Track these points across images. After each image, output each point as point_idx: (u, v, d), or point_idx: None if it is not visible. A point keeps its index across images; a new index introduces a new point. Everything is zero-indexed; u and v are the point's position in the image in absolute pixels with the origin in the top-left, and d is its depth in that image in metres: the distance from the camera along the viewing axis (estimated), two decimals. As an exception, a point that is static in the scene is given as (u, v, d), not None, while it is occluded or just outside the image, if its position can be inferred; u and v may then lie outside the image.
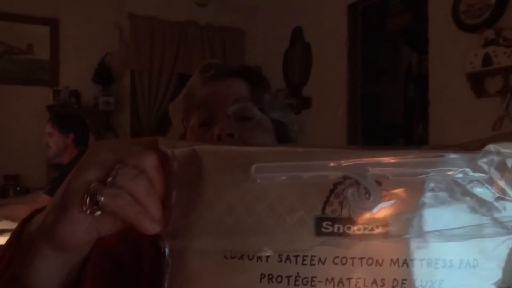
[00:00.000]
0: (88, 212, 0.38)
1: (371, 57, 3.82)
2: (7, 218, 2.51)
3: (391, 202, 0.37)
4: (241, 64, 0.85)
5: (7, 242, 0.45)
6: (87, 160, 0.40)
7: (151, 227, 0.38)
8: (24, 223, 0.45)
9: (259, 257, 0.37)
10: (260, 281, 0.38)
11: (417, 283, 0.38)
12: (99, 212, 0.38)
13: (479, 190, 0.39)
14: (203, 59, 4.35)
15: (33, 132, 3.50)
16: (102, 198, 0.37)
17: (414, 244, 0.38)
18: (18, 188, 3.65)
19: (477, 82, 2.60)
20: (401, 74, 4.23)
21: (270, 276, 0.38)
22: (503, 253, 0.40)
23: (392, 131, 4.08)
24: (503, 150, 0.39)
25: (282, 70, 4.20)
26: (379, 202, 0.37)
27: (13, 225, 2.37)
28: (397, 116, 4.17)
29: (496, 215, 0.39)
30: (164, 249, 0.39)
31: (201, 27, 4.42)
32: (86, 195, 0.38)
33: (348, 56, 3.59)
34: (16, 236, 0.44)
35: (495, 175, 0.39)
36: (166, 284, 0.39)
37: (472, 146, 0.40)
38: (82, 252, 0.44)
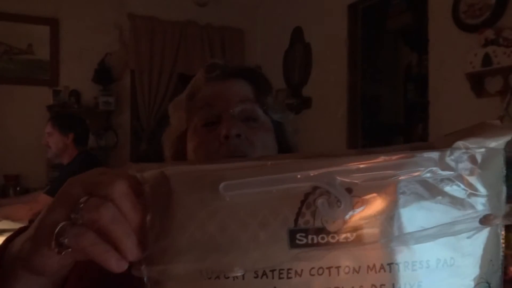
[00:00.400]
0: (56, 251, 0.38)
1: (371, 57, 3.82)
2: (7, 218, 2.51)
3: (363, 208, 0.37)
4: (245, 65, 0.86)
5: None
6: (58, 198, 0.40)
7: (117, 265, 0.38)
8: (5, 244, 0.46)
9: (235, 276, 0.37)
10: None
11: (395, 287, 0.38)
12: (68, 250, 0.38)
13: (449, 188, 0.39)
14: (203, 59, 4.38)
15: (33, 132, 3.50)
16: (66, 240, 0.38)
17: (389, 248, 0.38)
18: (18, 188, 3.66)
19: (477, 82, 2.60)
20: (401, 74, 4.23)
21: None
22: (478, 249, 0.40)
23: (392, 131, 4.08)
24: (471, 146, 0.39)
25: (282, 70, 4.20)
26: (350, 210, 0.37)
27: (13, 225, 2.38)
28: (397, 116, 4.17)
29: (469, 211, 0.39)
30: (143, 274, 0.38)
31: (201, 27, 4.42)
32: (52, 236, 0.38)
33: (348, 56, 3.59)
34: None
35: (464, 171, 0.39)
36: None
37: (445, 142, 0.40)
38: (61, 273, 0.44)
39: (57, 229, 0.38)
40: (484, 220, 0.39)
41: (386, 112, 4.19)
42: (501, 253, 0.43)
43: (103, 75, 4.08)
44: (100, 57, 4.08)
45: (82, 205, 0.38)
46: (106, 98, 4.06)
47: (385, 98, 4.18)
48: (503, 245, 0.43)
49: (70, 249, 0.38)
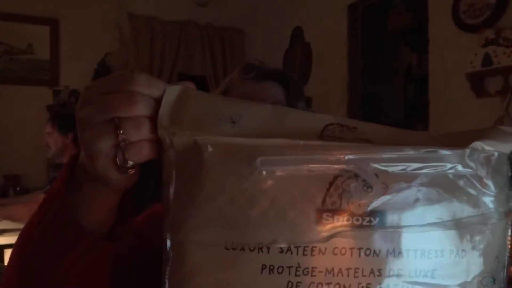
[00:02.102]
0: (126, 173, 0.42)
1: (371, 57, 3.82)
2: (7, 218, 2.51)
3: (388, 194, 0.39)
4: (280, 69, 0.88)
5: (53, 188, 0.48)
6: (90, 133, 0.42)
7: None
8: (69, 168, 0.48)
9: (260, 248, 0.38)
10: (261, 272, 0.38)
11: (412, 273, 0.40)
12: (135, 167, 0.42)
13: (466, 185, 0.41)
14: (203, 59, 4.37)
15: (33, 132, 3.50)
16: (131, 162, 0.41)
17: (408, 235, 0.39)
18: (18, 188, 3.65)
19: (477, 82, 2.60)
20: (401, 74, 4.23)
21: (271, 267, 0.38)
22: (487, 245, 0.42)
23: (392, 131, 4.06)
24: (487, 148, 0.42)
25: (282, 70, 4.19)
26: (380, 195, 0.38)
27: (13, 225, 2.38)
28: (397, 116, 4.17)
29: (481, 208, 0.41)
30: (166, 241, 0.39)
31: (201, 27, 4.41)
32: (117, 166, 0.41)
33: (348, 56, 3.59)
34: (64, 181, 0.47)
35: (481, 171, 0.41)
36: (166, 276, 0.40)
37: (454, 140, 0.42)
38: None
39: (117, 162, 0.41)
40: (509, 214, 0.42)
41: (386, 112, 4.19)
42: (507, 251, 0.45)
43: (103, 75, 3.99)
44: (100, 57, 4.07)
45: (121, 131, 0.40)
46: (106, 98, 4.05)
47: (385, 98, 4.17)
48: (510, 244, 0.45)
49: (136, 165, 0.41)
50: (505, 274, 0.45)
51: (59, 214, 0.46)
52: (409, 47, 4.08)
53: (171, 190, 0.40)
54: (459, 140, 0.43)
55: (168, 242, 0.39)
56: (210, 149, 0.39)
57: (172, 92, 0.41)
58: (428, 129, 3.00)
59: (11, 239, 2.22)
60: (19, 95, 3.88)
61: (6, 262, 2.17)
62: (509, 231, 0.45)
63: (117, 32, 4.16)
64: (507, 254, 0.45)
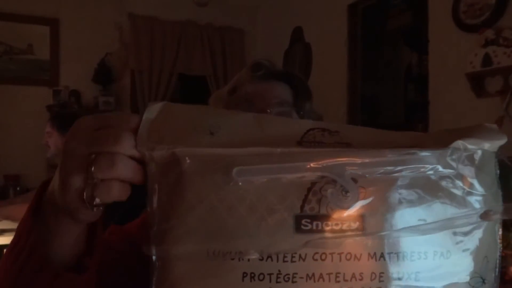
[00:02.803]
0: (91, 210, 0.41)
1: (371, 57, 3.82)
2: (7, 218, 2.51)
3: (367, 198, 0.39)
4: (288, 70, 0.89)
5: (24, 217, 0.48)
6: (67, 161, 0.42)
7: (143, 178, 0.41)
8: (37, 197, 0.48)
9: (241, 257, 0.38)
10: (243, 280, 0.38)
11: (394, 276, 0.40)
12: (99, 206, 0.41)
13: (449, 186, 0.41)
14: (203, 59, 4.37)
15: (33, 132, 3.50)
16: (98, 200, 0.40)
17: (390, 238, 0.39)
18: (18, 188, 3.65)
19: (477, 82, 2.60)
20: (401, 74, 4.23)
21: (252, 275, 0.38)
22: (473, 245, 0.42)
23: (392, 131, 4.07)
24: (469, 147, 0.41)
25: (282, 70, 4.19)
26: (357, 200, 0.38)
27: (13, 225, 2.38)
28: (397, 116, 4.17)
29: (466, 208, 0.41)
30: (151, 253, 0.40)
31: (201, 27, 4.42)
32: (82, 202, 0.41)
33: (348, 56, 3.59)
34: (33, 210, 0.47)
35: (463, 170, 0.41)
36: (153, 287, 0.40)
37: (443, 138, 0.42)
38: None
39: (84, 197, 0.41)
40: (484, 216, 0.41)
41: (386, 112, 4.19)
42: (498, 251, 0.44)
43: (103, 75, 4.07)
44: (100, 57, 4.07)
45: (93, 167, 0.40)
46: (106, 98, 4.06)
47: (385, 98, 4.17)
48: (501, 244, 0.44)
49: (103, 203, 0.41)
50: (496, 274, 0.44)
51: (27, 243, 0.46)
52: (409, 47, 4.08)
53: (154, 202, 0.40)
54: (444, 138, 0.42)
55: (154, 254, 0.40)
56: (188, 160, 0.39)
57: (151, 110, 0.42)
58: (428, 129, 3.00)
59: (11, 239, 2.21)
60: (19, 95, 3.88)
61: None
62: (500, 230, 0.44)
63: (117, 32, 4.16)
64: (498, 254, 0.44)
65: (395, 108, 4.20)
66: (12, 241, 0.49)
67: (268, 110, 0.74)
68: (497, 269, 0.44)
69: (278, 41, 4.26)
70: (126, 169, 0.40)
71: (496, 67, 2.45)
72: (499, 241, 0.44)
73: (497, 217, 0.42)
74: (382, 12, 4.00)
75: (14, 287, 0.47)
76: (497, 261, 0.44)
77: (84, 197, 0.40)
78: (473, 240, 0.42)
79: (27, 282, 0.46)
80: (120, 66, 4.18)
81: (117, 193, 0.41)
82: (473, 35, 2.59)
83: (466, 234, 0.41)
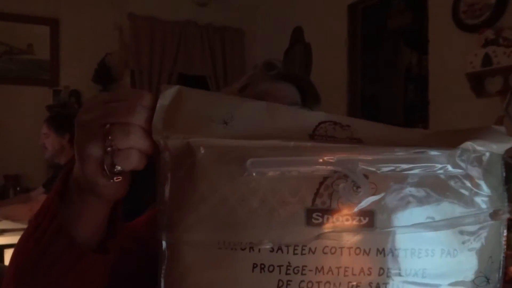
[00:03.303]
0: (113, 180, 0.43)
1: (371, 57, 3.82)
2: (7, 218, 2.51)
3: (377, 194, 0.39)
4: (299, 73, 0.91)
5: (48, 198, 0.49)
6: (85, 134, 0.43)
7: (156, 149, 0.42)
8: (64, 179, 0.49)
9: (251, 247, 0.39)
10: (253, 271, 0.39)
11: (402, 272, 0.40)
12: (121, 174, 0.42)
13: (457, 185, 0.41)
14: (203, 59, 4.37)
15: (33, 132, 3.49)
16: (119, 168, 0.42)
17: (398, 234, 0.40)
18: (18, 188, 3.65)
19: (477, 82, 2.60)
20: (401, 74, 4.23)
21: (262, 266, 0.39)
22: (479, 245, 0.43)
23: (392, 131, 4.06)
24: (478, 148, 0.42)
25: (282, 70, 4.19)
26: (368, 195, 0.39)
27: (13, 225, 2.38)
28: (397, 116, 4.17)
29: (473, 208, 0.42)
30: (161, 241, 0.40)
31: (201, 27, 4.41)
32: (104, 172, 0.42)
33: (348, 56, 3.59)
34: (58, 191, 0.48)
35: (472, 171, 0.42)
36: (162, 275, 0.41)
37: (451, 138, 0.43)
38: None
39: (104, 166, 0.42)
40: (494, 215, 0.42)
41: (386, 112, 4.19)
42: (503, 252, 0.45)
43: (103, 75, 4.07)
44: (100, 57, 4.07)
45: (110, 137, 0.41)
46: (106, 98, 4.05)
47: (385, 98, 4.18)
48: (505, 244, 0.45)
49: (124, 172, 0.42)
50: (500, 274, 0.45)
51: (52, 224, 0.47)
52: (409, 47, 4.08)
53: (166, 191, 0.41)
54: (452, 138, 0.43)
55: (164, 242, 0.40)
56: (202, 150, 0.39)
57: (166, 95, 0.42)
58: (428, 129, 3.00)
59: (11, 239, 2.22)
60: (19, 95, 3.88)
61: (6, 262, 2.17)
62: (504, 231, 0.45)
63: (117, 32, 4.16)
64: (502, 254, 0.45)
65: (395, 108, 4.20)
66: (32, 224, 0.50)
67: None
68: (501, 270, 0.45)
69: (278, 41, 4.25)
70: (141, 139, 0.41)
71: (496, 67, 2.45)
72: (503, 242, 0.45)
73: (506, 216, 0.43)
74: (382, 12, 4.01)
75: (37, 267, 0.48)
76: (501, 262, 0.45)
77: (104, 165, 0.41)
78: (479, 240, 0.42)
79: (51, 263, 0.47)
80: (120, 66, 4.18)
81: (135, 161, 0.42)
82: (473, 35, 2.59)
83: (472, 234, 0.42)
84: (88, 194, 0.46)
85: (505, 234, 0.45)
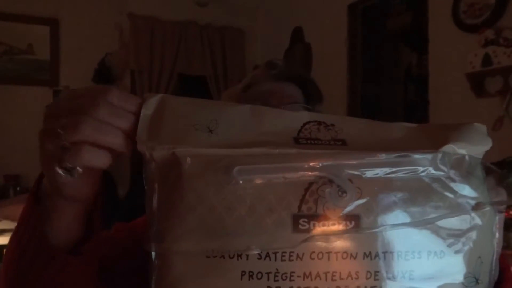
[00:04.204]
0: (69, 178, 0.41)
1: (371, 57, 3.82)
2: (7, 218, 2.51)
3: (362, 199, 0.40)
4: (301, 72, 0.91)
5: (26, 201, 0.49)
6: (42, 133, 0.43)
7: (107, 160, 0.41)
8: (38, 182, 0.49)
9: (239, 256, 0.39)
10: (241, 278, 0.39)
11: (389, 274, 0.40)
12: (77, 171, 0.41)
13: (441, 188, 0.42)
14: (203, 59, 4.37)
15: (33, 132, 3.48)
16: (69, 164, 0.40)
17: (385, 238, 0.40)
18: (18, 188, 3.65)
19: (477, 82, 2.59)
20: (401, 74, 4.23)
21: (251, 273, 0.39)
22: (467, 246, 0.43)
23: (392, 131, 4.06)
24: (459, 151, 0.43)
25: (282, 70, 4.19)
26: (353, 200, 0.39)
27: (13, 225, 2.37)
28: (397, 116, 4.17)
29: (457, 209, 0.42)
30: (151, 251, 0.40)
31: (201, 27, 4.41)
32: (57, 169, 0.41)
33: (348, 56, 3.58)
34: (33, 193, 0.48)
35: (454, 173, 0.42)
36: (153, 285, 0.41)
37: (436, 135, 0.43)
38: (89, 195, 0.48)
39: (55, 164, 0.41)
40: (476, 207, 0.43)
41: (386, 112, 4.19)
42: (494, 251, 0.45)
43: (103, 75, 4.07)
44: (100, 57, 4.07)
45: (62, 131, 0.40)
46: (106, 98, 4.05)
47: (385, 98, 4.17)
48: (497, 243, 0.45)
49: (78, 170, 0.40)
50: (492, 276, 0.45)
51: (28, 226, 0.47)
52: (409, 47, 4.07)
53: (154, 201, 0.41)
54: (435, 136, 0.43)
55: (153, 252, 0.40)
56: (188, 160, 0.39)
57: (149, 105, 0.42)
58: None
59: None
60: (19, 95, 3.88)
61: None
62: (497, 232, 0.45)
63: (117, 32, 4.16)
64: (494, 256, 0.45)
65: (395, 108, 4.20)
66: (16, 226, 0.50)
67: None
68: (493, 272, 0.45)
69: (278, 41, 4.25)
70: (94, 132, 0.40)
71: (496, 67, 2.45)
72: (496, 243, 0.45)
73: (487, 208, 0.43)
74: (382, 12, 4.00)
75: (19, 268, 0.48)
76: (493, 263, 0.45)
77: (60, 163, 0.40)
78: (467, 242, 0.42)
79: (29, 264, 0.47)
80: (120, 66, 4.18)
81: (88, 157, 0.40)
82: (473, 35, 2.59)
83: (459, 235, 0.42)
84: (54, 195, 0.45)
85: (497, 236, 0.45)
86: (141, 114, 0.41)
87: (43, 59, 3.98)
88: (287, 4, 4.17)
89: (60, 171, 0.40)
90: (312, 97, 0.85)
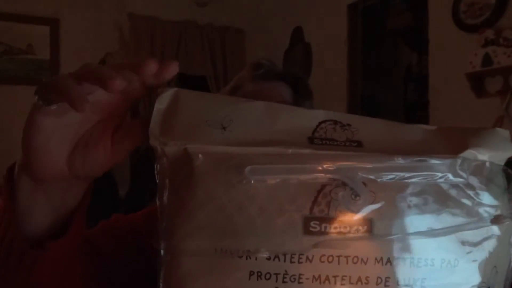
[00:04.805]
0: (45, 106, 0.40)
1: (371, 57, 3.82)
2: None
3: (376, 203, 0.39)
4: (288, 69, 0.90)
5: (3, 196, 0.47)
6: None
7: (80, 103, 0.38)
8: (10, 171, 0.48)
9: (248, 256, 0.38)
10: (249, 278, 0.38)
11: (400, 281, 0.39)
12: (53, 106, 0.40)
13: (459, 195, 0.40)
14: (203, 59, 4.37)
15: (33, 132, 3.50)
16: (44, 93, 0.40)
17: (397, 243, 0.39)
18: (18, 188, 3.65)
19: (477, 82, 2.60)
20: (401, 74, 4.23)
21: (259, 274, 0.38)
22: (483, 255, 0.41)
23: (392, 131, 4.06)
24: (480, 157, 0.41)
25: (282, 70, 4.19)
26: (367, 204, 0.38)
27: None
28: (397, 116, 4.17)
29: (475, 218, 0.40)
30: (160, 247, 0.40)
31: (201, 27, 4.41)
32: (36, 97, 0.41)
33: (348, 56, 3.58)
34: (9, 190, 0.46)
35: (473, 180, 0.41)
36: (161, 283, 0.40)
37: (455, 139, 0.42)
38: (62, 195, 0.45)
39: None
40: (495, 220, 0.41)
41: (386, 112, 4.19)
42: (510, 261, 0.44)
43: (103, 75, 4.07)
44: (100, 57, 4.07)
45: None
46: (106, 98, 4.05)
47: (385, 98, 4.17)
48: None
49: (53, 104, 0.40)
50: (507, 284, 0.44)
51: (2, 221, 0.45)
52: (409, 47, 4.08)
53: (165, 197, 0.40)
54: (454, 139, 0.42)
55: (162, 248, 0.40)
56: (200, 157, 0.39)
57: (162, 99, 0.42)
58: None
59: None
60: (19, 95, 3.87)
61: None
62: None
63: (117, 32, 4.16)
64: (509, 268, 0.44)
65: (395, 108, 4.20)
66: None
67: None
68: (508, 282, 0.44)
69: (278, 41, 4.25)
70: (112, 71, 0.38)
71: (496, 67, 2.45)
72: None
73: (507, 221, 0.41)
74: (382, 12, 4.00)
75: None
76: (509, 273, 0.44)
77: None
78: (483, 251, 0.41)
79: (3, 261, 0.45)
80: (120, 66, 4.17)
81: (67, 84, 0.39)
82: (473, 35, 2.59)
83: (475, 244, 0.41)
84: (22, 175, 0.44)
85: None
86: (155, 108, 0.41)
87: (43, 59, 3.98)
88: (287, 4, 4.17)
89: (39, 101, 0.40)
90: (301, 94, 0.84)
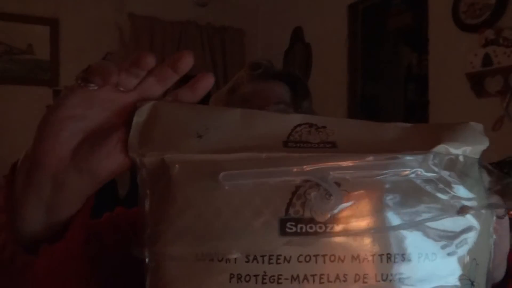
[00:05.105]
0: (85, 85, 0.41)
1: (371, 57, 3.82)
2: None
3: (350, 202, 0.39)
4: (286, 69, 0.91)
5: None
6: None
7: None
8: (13, 168, 0.46)
9: (228, 259, 0.39)
10: (230, 281, 0.39)
11: (378, 277, 0.40)
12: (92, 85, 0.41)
13: (434, 189, 0.41)
14: (203, 59, 4.37)
15: (33, 132, 3.49)
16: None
17: (373, 240, 0.40)
18: (18, 188, 3.65)
19: (477, 82, 2.60)
20: (401, 74, 4.23)
21: (239, 276, 0.39)
22: (462, 249, 0.42)
23: (392, 131, 4.06)
24: (452, 151, 0.42)
25: (282, 70, 4.19)
26: (340, 203, 0.39)
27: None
28: (397, 116, 4.16)
29: (451, 212, 0.41)
30: (144, 254, 0.41)
31: (201, 27, 4.41)
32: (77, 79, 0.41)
33: (348, 56, 3.59)
34: (7, 191, 0.45)
35: (446, 174, 0.41)
36: (147, 287, 0.41)
37: (430, 135, 0.42)
38: (53, 194, 0.43)
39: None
40: (461, 211, 0.41)
41: (386, 112, 4.19)
42: (491, 253, 0.44)
43: (103, 75, 4.07)
44: (100, 57, 4.07)
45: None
46: (106, 98, 4.05)
47: (385, 98, 4.17)
48: (493, 245, 0.44)
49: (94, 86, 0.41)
50: (488, 276, 0.44)
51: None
52: (409, 47, 4.07)
53: (147, 206, 0.41)
54: (429, 135, 0.42)
55: (147, 256, 0.41)
56: (177, 167, 0.40)
57: (141, 112, 0.43)
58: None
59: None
60: (19, 95, 3.88)
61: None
62: (494, 236, 0.44)
63: (117, 32, 4.16)
64: (490, 257, 0.44)
65: (395, 108, 4.19)
66: None
67: (266, 108, 0.75)
68: (490, 273, 0.44)
69: (278, 41, 4.25)
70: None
71: (496, 67, 2.45)
72: (492, 244, 0.44)
73: (472, 211, 0.42)
74: (382, 12, 4.00)
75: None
76: (489, 265, 0.44)
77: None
78: (461, 244, 0.42)
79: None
80: (120, 66, 4.18)
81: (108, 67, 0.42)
82: (473, 35, 2.59)
83: (453, 237, 0.41)
84: (32, 170, 0.42)
85: (494, 237, 0.44)
86: (133, 122, 0.42)
87: (43, 59, 3.98)
88: (287, 4, 4.17)
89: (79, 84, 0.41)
90: (299, 93, 0.84)
